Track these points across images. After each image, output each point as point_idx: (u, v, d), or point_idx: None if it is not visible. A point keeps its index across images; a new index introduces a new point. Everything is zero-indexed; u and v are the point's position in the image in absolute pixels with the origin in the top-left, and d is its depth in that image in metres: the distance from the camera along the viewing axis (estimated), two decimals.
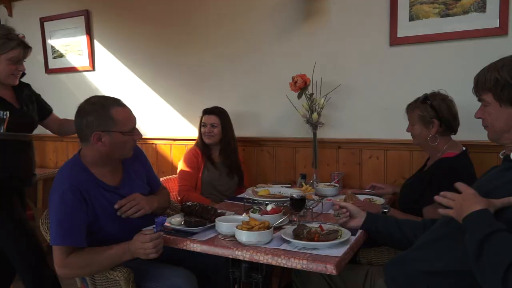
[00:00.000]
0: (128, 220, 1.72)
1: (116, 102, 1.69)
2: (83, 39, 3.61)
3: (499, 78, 1.19)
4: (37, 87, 4.01)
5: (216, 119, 2.67)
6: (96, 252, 1.60)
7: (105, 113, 1.63)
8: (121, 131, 1.65)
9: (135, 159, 1.88)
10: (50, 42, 3.81)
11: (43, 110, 2.39)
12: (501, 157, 1.30)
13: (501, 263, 0.99)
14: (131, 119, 1.72)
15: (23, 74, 2.26)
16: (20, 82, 2.27)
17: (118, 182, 1.77)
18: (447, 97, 1.98)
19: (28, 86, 2.35)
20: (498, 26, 2.20)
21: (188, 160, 2.65)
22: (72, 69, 3.73)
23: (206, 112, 2.72)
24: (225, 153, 2.69)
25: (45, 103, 2.43)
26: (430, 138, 1.95)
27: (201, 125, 2.70)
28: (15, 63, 2.12)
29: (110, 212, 1.69)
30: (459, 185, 1.18)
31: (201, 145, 2.69)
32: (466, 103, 1.94)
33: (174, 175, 2.84)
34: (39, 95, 2.41)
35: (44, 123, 2.40)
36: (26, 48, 2.16)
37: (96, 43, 3.58)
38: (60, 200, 1.58)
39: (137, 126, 1.77)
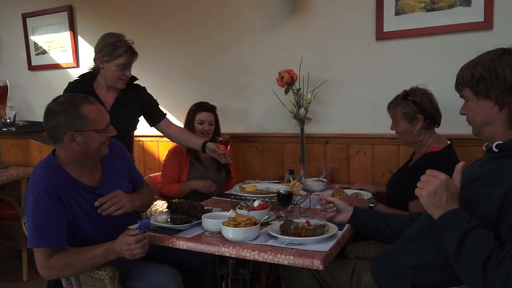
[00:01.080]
0: (109, 219, 1.67)
1: (86, 100, 1.60)
2: (66, 35, 3.54)
3: (474, 73, 1.22)
4: (19, 84, 3.97)
5: (212, 116, 2.62)
6: (79, 253, 1.56)
7: (75, 112, 1.55)
8: (95, 129, 1.59)
9: (116, 156, 1.82)
10: (33, 38, 3.73)
11: (153, 116, 2.42)
12: (484, 149, 1.31)
13: (479, 257, 1.01)
14: (104, 116, 1.64)
15: (135, 78, 2.38)
16: (133, 85, 2.37)
17: (97, 182, 1.70)
18: (426, 91, 1.99)
19: (137, 90, 2.41)
20: (483, 20, 2.22)
21: (170, 157, 2.61)
22: (56, 66, 3.66)
23: (203, 108, 2.62)
24: None
25: (157, 109, 2.44)
26: (416, 133, 1.95)
27: (196, 122, 2.60)
28: (122, 69, 2.23)
29: (89, 213, 1.64)
30: (430, 171, 1.18)
31: None
32: (452, 97, 1.93)
33: (161, 172, 2.82)
34: (151, 101, 2.44)
35: (157, 128, 2.43)
36: (132, 55, 2.26)
37: (80, 39, 3.52)
38: (35, 201, 1.52)
39: None
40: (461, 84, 1.28)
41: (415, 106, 1.93)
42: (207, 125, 2.59)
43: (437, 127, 2.01)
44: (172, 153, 2.63)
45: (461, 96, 1.32)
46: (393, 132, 2.27)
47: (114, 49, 2.19)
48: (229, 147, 2.35)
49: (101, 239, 1.60)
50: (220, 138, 2.32)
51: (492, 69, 1.19)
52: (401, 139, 2.07)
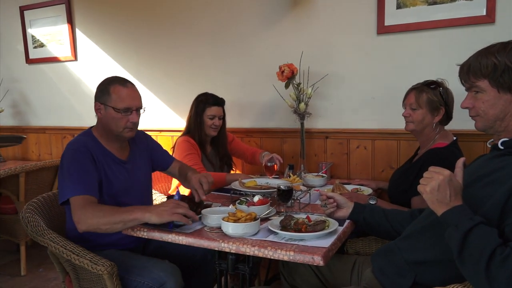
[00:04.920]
0: (129, 195, 1.83)
1: (120, 81, 1.79)
2: (64, 28, 3.51)
3: (497, 63, 1.14)
4: (17, 78, 3.94)
5: (222, 110, 2.53)
6: (111, 207, 1.62)
7: (106, 87, 1.77)
8: (114, 107, 1.74)
9: (141, 143, 2.01)
10: (30, 31, 3.70)
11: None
12: (489, 146, 1.29)
13: (483, 254, 0.99)
14: (127, 99, 1.76)
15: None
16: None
17: (126, 157, 1.88)
18: (449, 89, 1.95)
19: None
20: (485, 14, 2.20)
21: (189, 147, 2.40)
22: (54, 59, 3.63)
23: (214, 102, 2.50)
24: (221, 145, 2.58)
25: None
26: (435, 125, 1.91)
27: (206, 116, 2.47)
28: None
29: (113, 185, 1.78)
30: (432, 168, 1.16)
31: (201, 138, 2.49)
32: (454, 92, 1.93)
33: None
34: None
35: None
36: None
37: (78, 32, 3.49)
38: (72, 156, 1.69)
39: None
40: (475, 74, 1.19)
41: (441, 97, 1.88)
42: (217, 120, 2.49)
43: (446, 125, 1.98)
44: (188, 143, 2.43)
45: (469, 88, 1.24)
46: (393, 127, 2.25)
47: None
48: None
49: None
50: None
51: None
52: (409, 127, 1.97)
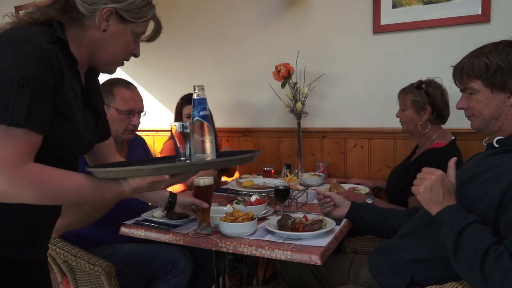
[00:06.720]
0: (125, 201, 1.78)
1: (124, 84, 1.83)
2: None
3: (489, 63, 1.16)
4: None
5: None
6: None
7: (109, 89, 1.79)
8: (117, 108, 1.77)
9: (140, 146, 2.02)
10: None
11: None
12: (485, 144, 1.30)
13: (477, 253, 1.00)
14: (130, 102, 1.81)
15: None
16: None
17: (124, 158, 1.86)
18: (441, 85, 1.96)
19: None
20: (480, 13, 2.20)
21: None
22: None
23: (190, 101, 2.46)
24: None
25: None
26: (421, 124, 1.93)
27: (184, 116, 2.42)
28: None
29: None
30: (425, 169, 1.18)
31: None
32: (450, 90, 1.94)
33: None
34: None
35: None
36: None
37: None
38: None
39: None
40: (468, 75, 1.21)
41: (426, 96, 1.91)
42: None
43: (443, 123, 1.99)
44: (172, 151, 2.47)
45: (464, 89, 1.26)
46: (390, 126, 2.25)
47: None
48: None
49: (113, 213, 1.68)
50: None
51: None
52: (403, 128, 2.03)
